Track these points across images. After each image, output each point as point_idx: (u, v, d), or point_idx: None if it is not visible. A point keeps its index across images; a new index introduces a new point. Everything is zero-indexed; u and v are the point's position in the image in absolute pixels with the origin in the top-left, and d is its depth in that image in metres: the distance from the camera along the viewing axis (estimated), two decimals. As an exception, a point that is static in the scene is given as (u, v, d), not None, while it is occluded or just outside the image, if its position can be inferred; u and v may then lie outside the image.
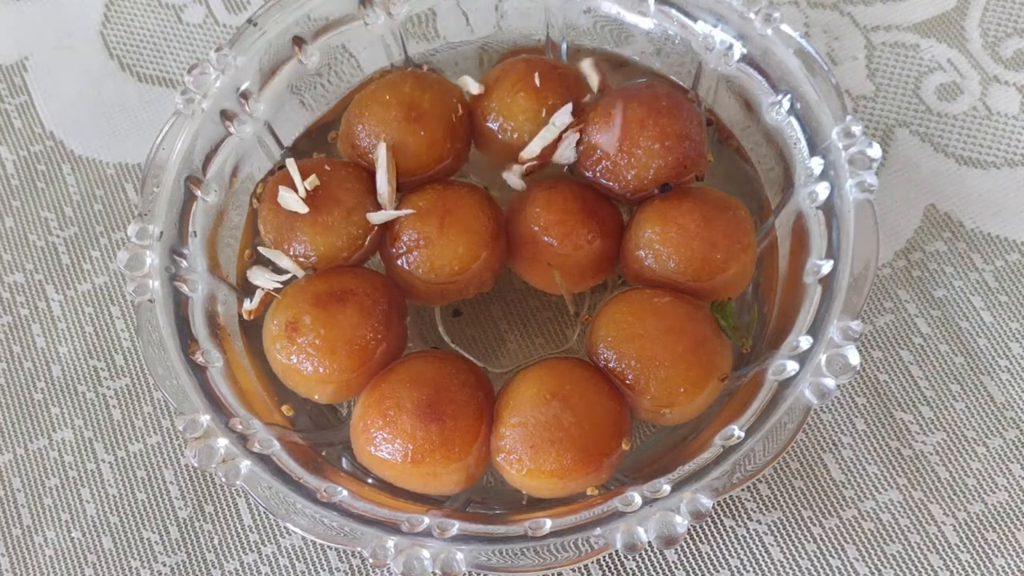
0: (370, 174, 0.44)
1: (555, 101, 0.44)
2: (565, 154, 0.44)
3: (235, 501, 0.46)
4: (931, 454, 0.45)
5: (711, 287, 0.42)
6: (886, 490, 0.45)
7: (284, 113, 0.47)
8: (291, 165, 0.43)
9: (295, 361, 0.40)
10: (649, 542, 0.35)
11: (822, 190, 0.41)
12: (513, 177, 0.44)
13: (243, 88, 0.45)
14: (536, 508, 0.39)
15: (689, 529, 0.36)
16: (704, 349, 0.40)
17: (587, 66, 0.46)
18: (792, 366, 0.38)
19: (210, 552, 0.45)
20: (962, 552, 0.43)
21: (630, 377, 0.40)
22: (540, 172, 0.45)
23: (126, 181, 0.54)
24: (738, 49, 0.44)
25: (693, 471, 0.36)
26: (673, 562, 0.44)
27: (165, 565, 0.45)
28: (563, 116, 0.44)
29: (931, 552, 0.43)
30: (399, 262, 0.43)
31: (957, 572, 0.43)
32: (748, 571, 0.44)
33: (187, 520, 0.46)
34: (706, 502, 0.35)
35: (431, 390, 0.39)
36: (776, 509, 0.45)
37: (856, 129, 0.41)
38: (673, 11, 0.45)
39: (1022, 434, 0.45)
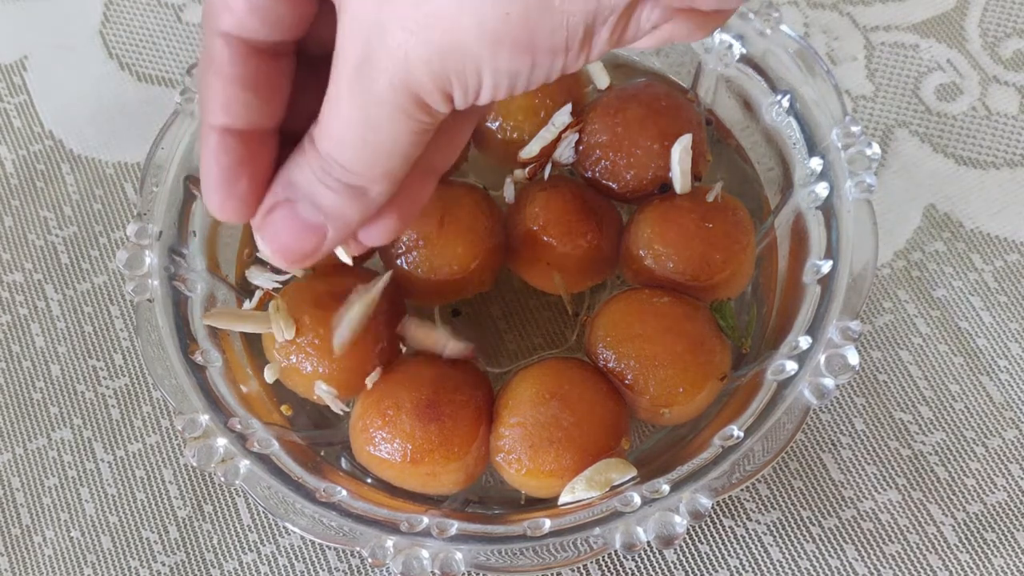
0: (369, 174, 0.44)
1: (554, 101, 0.44)
2: (565, 154, 0.44)
3: (234, 501, 0.46)
4: (930, 454, 0.45)
5: (710, 287, 0.42)
6: (885, 490, 0.45)
7: (283, 113, 0.47)
8: (290, 165, 0.43)
9: (294, 361, 0.40)
10: (648, 542, 0.35)
11: (821, 190, 0.41)
12: (509, 190, 0.44)
13: (242, 88, 0.44)
14: (535, 508, 0.39)
15: (688, 529, 0.36)
16: (703, 349, 0.40)
17: (596, 67, 0.46)
18: (791, 366, 0.38)
19: (209, 552, 0.45)
20: (961, 552, 0.43)
21: (629, 377, 0.40)
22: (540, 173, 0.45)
23: (125, 180, 0.54)
24: (737, 49, 0.44)
25: (692, 471, 0.36)
26: (672, 562, 0.44)
27: (164, 565, 0.45)
28: (562, 116, 0.44)
29: (930, 552, 0.43)
30: (398, 262, 0.43)
31: (956, 572, 0.43)
32: (747, 571, 0.44)
33: (186, 520, 0.46)
34: (705, 502, 0.35)
35: (430, 390, 0.39)
36: (775, 509, 0.45)
37: (855, 129, 0.41)
38: (672, 11, 0.45)
39: (1021, 434, 0.45)
